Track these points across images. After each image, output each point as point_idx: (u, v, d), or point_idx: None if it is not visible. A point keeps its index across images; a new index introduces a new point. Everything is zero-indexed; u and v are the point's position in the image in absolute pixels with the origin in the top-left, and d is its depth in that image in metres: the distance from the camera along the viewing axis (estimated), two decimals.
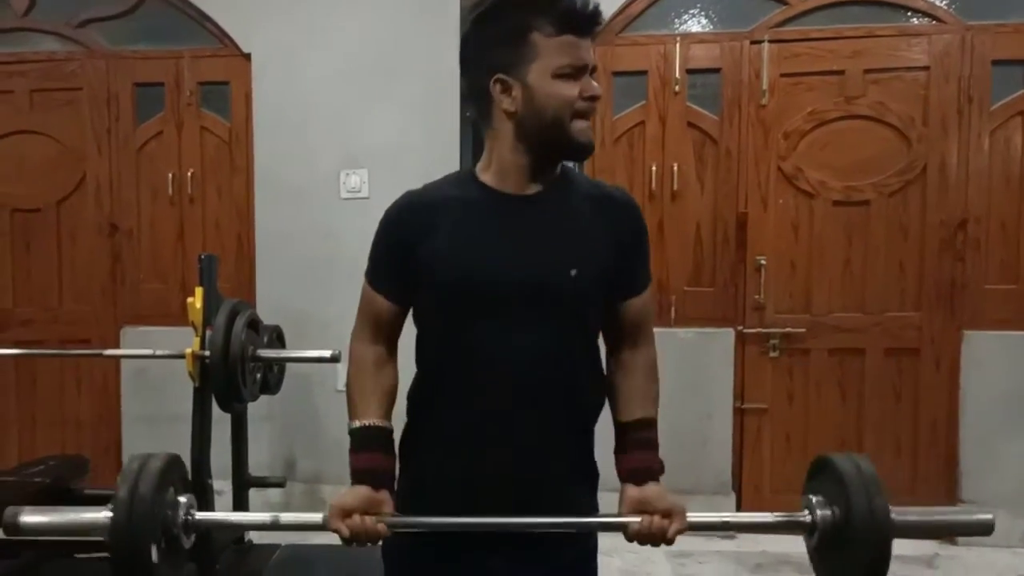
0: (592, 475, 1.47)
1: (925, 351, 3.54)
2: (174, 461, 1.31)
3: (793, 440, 3.62)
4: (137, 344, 3.73)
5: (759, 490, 3.64)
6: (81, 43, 3.90)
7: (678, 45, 3.56)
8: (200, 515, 1.32)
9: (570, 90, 1.27)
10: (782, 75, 3.55)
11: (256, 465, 3.38)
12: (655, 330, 1.49)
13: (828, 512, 1.29)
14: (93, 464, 3.33)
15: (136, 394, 3.90)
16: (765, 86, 3.54)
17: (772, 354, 3.60)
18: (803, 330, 3.57)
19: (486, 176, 1.36)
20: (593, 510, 1.45)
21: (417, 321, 1.42)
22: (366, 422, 1.35)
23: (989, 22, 3.46)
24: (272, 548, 3.27)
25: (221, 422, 2.99)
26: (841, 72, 3.52)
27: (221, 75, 3.83)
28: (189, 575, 1.36)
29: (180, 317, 3.10)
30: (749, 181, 3.59)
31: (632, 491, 1.34)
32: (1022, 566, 3.32)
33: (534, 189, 1.34)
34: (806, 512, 1.32)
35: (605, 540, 1.49)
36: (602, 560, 1.49)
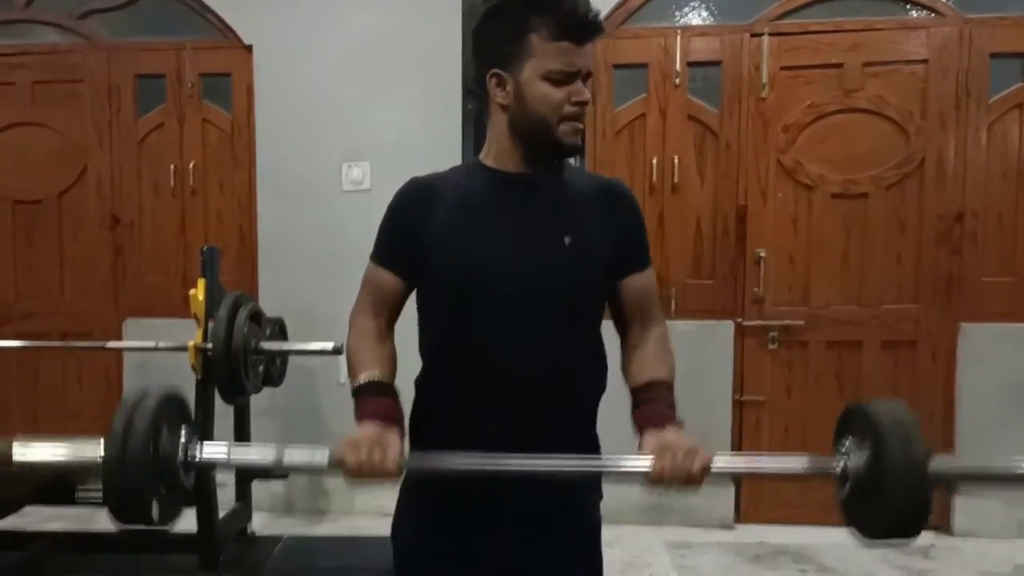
0: (595, 449, 1.47)
1: (922, 343, 3.56)
2: (173, 395, 1.25)
3: (792, 432, 3.64)
4: (139, 336, 3.75)
5: (758, 482, 3.66)
6: (82, 35, 3.90)
7: (679, 38, 3.57)
8: (200, 452, 1.25)
9: (558, 94, 1.32)
10: (782, 68, 3.56)
11: None
12: None
13: (861, 460, 1.19)
14: None
15: (139, 386, 3.91)
16: (765, 79, 3.55)
17: (771, 346, 3.62)
18: (802, 323, 3.59)
19: (488, 160, 1.43)
20: (595, 490, 1.47)
21: (421, 304, 1.45)
22: (372, 375, 1.36)
23: (988, 15, 3.47)
24: (275, 540, 3.30)
25: (224, 415, 3.01)
26: (840, 65, 3.53)
27: (223, 67, 3.84)
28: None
29: (182, 309, 3.11)
30: (749, 174, 3.60)
31: (650, 436, 1.29)
32: (1017, 556, 3.35)
33: (532, 171, 1.40)
34: (837, 459, 1.22)
35: (605, 531, 1.51)
36: (603, 550, 1.51)
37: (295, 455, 1.26)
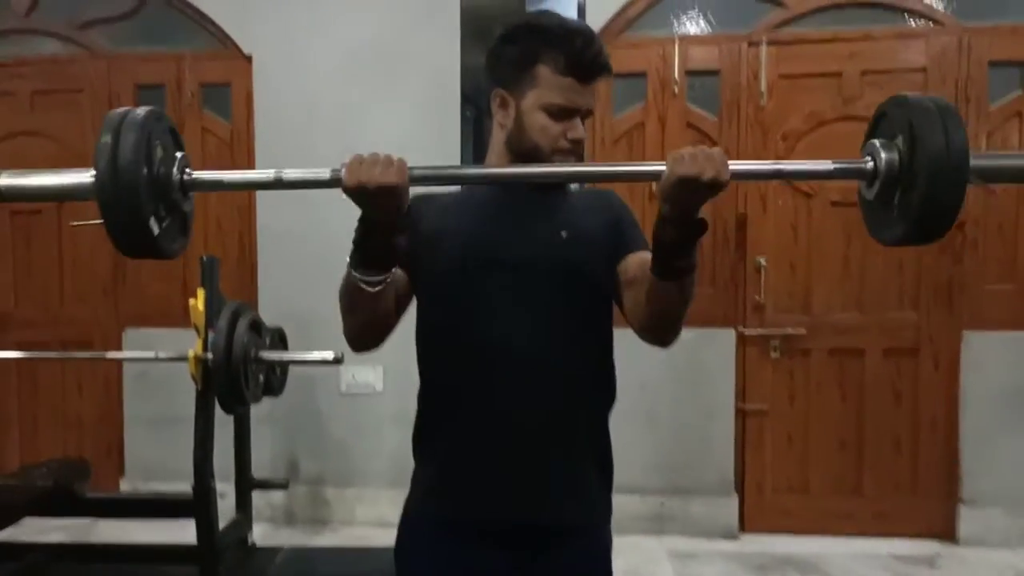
0: (605, 469, 1.46)
1: (924, 351, 3.56)
2: (160, 113, 1.16)
3: (795, 441, 3.63)
4: (139, 346, 3.74)
5: (761, 491, 3.65)
6: (83, 45, 3.91)
7: (677, 47, 3.57)
8: (197, 173, 1.19)
9: (555, 128, 1.34)
10: (780, 76, 3.57)
11: (259, 467, 3.40)
12: None
13: (894, 154, 1.10)
14: (95, 467, 3.33)
15: (138, 396, 3.91)
16: (764, 87, 3.55)
17: (773, 355, 3.61)
18: (803, 331, 3.58)
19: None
20: (606, 506, 1.45)
21: (419, 304, 1.43)
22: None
23: (986, 23, 3.48)
24: (276, 550, 3.29)
25: (224, 424, 3.00)
26: (839, 74, 3.53)
27: (222, 76, 3.84)
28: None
29: (182, 319, 3.11)
30: (748, 182, 3.60)
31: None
32: (1023, 565, 3.33)
33: (527, 186, 1.43)
34: (868, 158, 1.14)
35: (616, 540, 1.50)
36: None
37: (294, 172, 1.22)
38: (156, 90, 3.87)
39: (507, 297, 1.35)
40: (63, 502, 2.99)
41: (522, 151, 1.37)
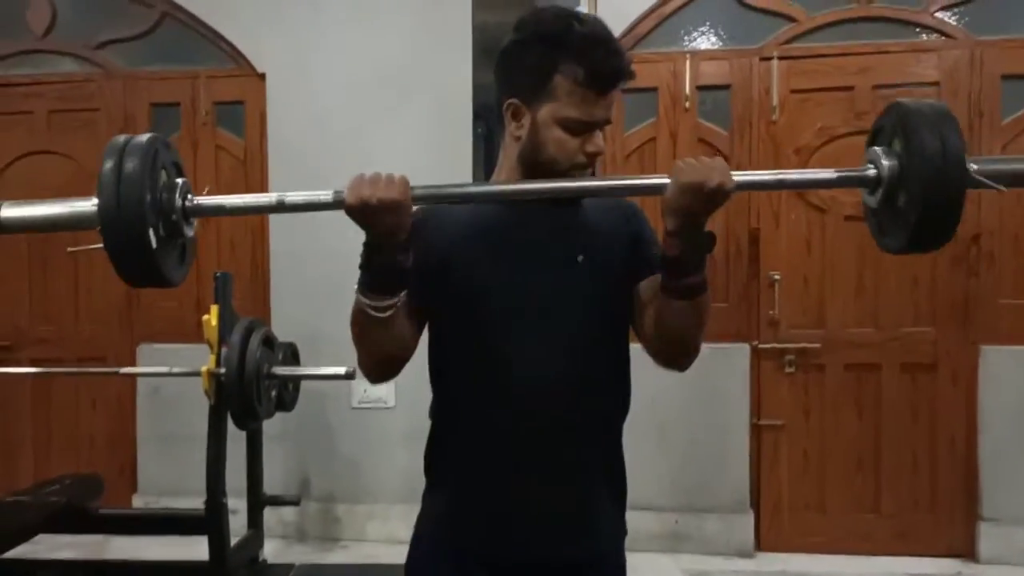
0: (620, 493, 1.43)
1: (941, 366, 3.52)
2: (163, 139, 1.16)
3: (811, 457, 3.59)
4: (153, 362, 3.76)
5: (778, 508, 3.61)
6: (99, 64, 3.96)
7: (688, 62, 3.58)
8: (200, 198, 1.18)
9: (571, 143, 1.28)
10: (792, 91, 3.56)
11: (271, 483, 3.39)
12: None
13: (894, 162, 1.11)
14: (108, 483, 3.33)
15: (151, 412, 3.92)
16: (775, 102, 3.55)
17: (788, 370, 3.58)
18: (818, 345, 3.56)
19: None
20: (620, 529, 1.43)
21: (432, 331, 1.40)
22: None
23: (998, 37, 3.47)
24: (287, 567, 3.28)
25: (236, 440, 3.00)
26: (851, 88, 3.53)
27: (236, 95, 3.88)
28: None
29: (196, 335, 3.12)
30: (761, 197, 3.59)
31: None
32: None
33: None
34: (870, 165, 1.15)
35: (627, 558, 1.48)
36: None
37: (296, 196, 1.20)
38: (171, 109, 3.91)
39: (522, 323, 1.31)
40: (76, 519, 2.99)
41: (537, 165, 1.30)
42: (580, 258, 1.32)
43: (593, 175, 1.37)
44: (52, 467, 3.93)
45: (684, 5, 3.62)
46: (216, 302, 2.88)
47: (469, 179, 3.56)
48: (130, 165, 1.07)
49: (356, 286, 1.24)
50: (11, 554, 2.69)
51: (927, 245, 1.14)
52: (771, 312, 3.58)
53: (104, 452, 4.02)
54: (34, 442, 4.07)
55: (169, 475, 3.82)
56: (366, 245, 1.20)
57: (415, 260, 1.29)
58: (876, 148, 1.15)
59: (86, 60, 3.97)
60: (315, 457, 3.79)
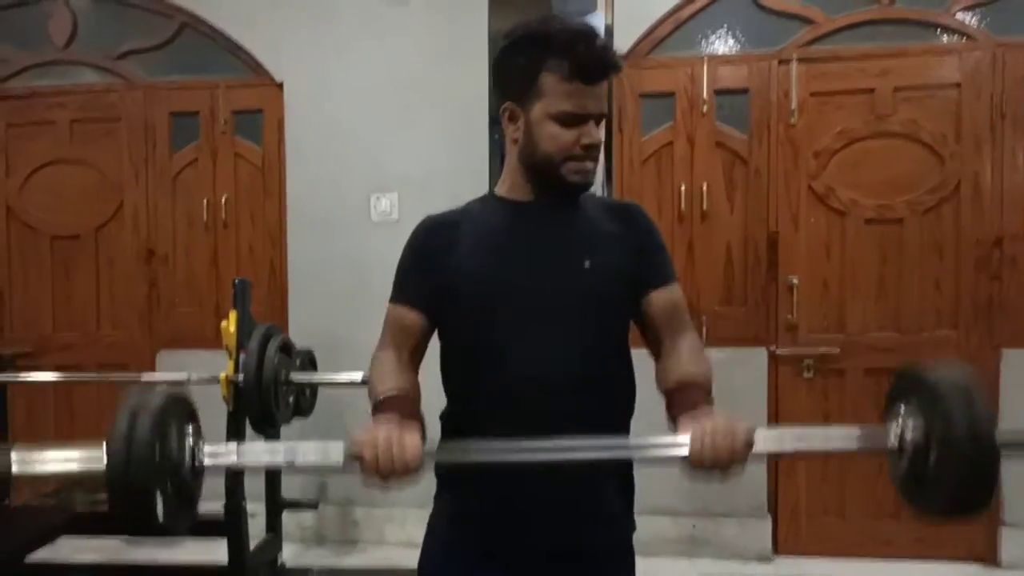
0: (628, 486, 1.45)
1: None
2: (178, 396, 1.17)
3: (830, 462, 3.56)
4: (173, 368, 3.79)
5: (796, 512, 3.58)
6: (120, 75, 4.00)
7: (705, 66, 3.57)
8: (209, 450, 1.17)
9: (565, 135, 1.31)
10: (811, 94, 3.54)
11: (289, 487, 3.41)
12: None
13: (919, 430, 1.09)
14: None
15: None
16: (794, 105, 3.53)
17: (806, 375, 3.55)
18: (837, 350, 3.52)
19: (502, 190, 1.43)
20: (629, 522, 1.45)
21: (444, 341, 1.43)
22: (391, 392, 1.32)
23: (1020, 38, 3.42)
24: (306, 571, 3.29)
25: None
26: (871, 90, 3.50)
27: (254, 103, 3.91)
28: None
29: (214, 341, 3.14)
30: (779, 200, 3.57)
31: (686, 420, 1.22)
32: None
33: (545, 200, 1.39)
34: (892, 432, 1.12)
35: (638, 564, 1.48)
36: None
37: (308, 454, 1.18)
38: (190, 118, 3.95)
39: (529, 329, 1.32)
40: (98, 522, 3.02)
41: (534, 163, 1.35)
42: (587, 263, 1.34)
43: (593, 168, 1.37)
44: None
45: (702, 9, 3.61)
46: (234, 308, 2.90)
47: (485, 186, 3.56)
48: (142, 423, 1.07)
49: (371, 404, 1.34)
50: (35, 557, 2.72)
51: (964, 515, 1.09)
52: (789, 317, 3.55)
53: None
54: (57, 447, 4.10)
55: None
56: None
57: (421, 273, 1.37)
58: (898, 413, 1.12)
59: (107, 70, 4.02)
60: None
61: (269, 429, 2.97)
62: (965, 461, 1.01)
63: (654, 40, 3.64)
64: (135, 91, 3.98)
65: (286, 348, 2.96)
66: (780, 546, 3.59)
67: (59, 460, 1.17)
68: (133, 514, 1.09)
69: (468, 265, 1.35)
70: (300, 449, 1.18)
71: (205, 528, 3.03)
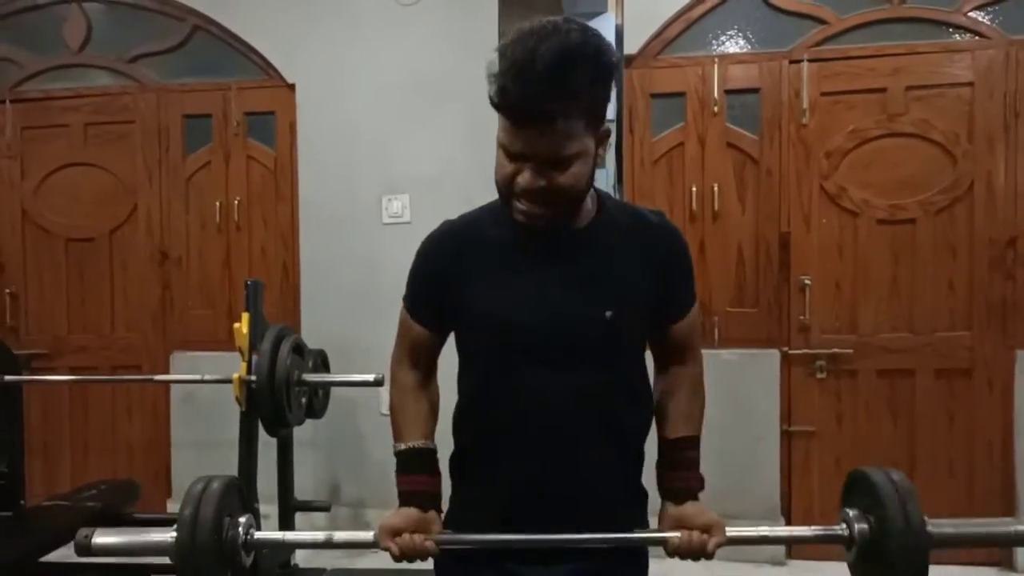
0: (640, 495, 1.45)
1: (978, 371, 3.45)
2: (233, 483, 1.36)
3: (843, 463, 3.53)
4: (186, 369, 3.81)
5: (809, 515, 3.56)
6: (133, 78, 4.03)
7: (716, 66, 3.56)
8: (259, 535, 1.37)
9: (506, 167, 1.21)
10: (822, 94, 3.53)
11: (301, 489, 3.41)
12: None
13: (864, 525, 1.29)
14: (143, 489, 3.39)
15: (185, 419, 3.97)
16: (805, 105, 3.51)
17: (819, 375, 3.54)
18: (850, 351, 3.51)
19: None
20: (641, 521, 1.44)
21: (458, 348, 1.43)
22: (411, 444, 1.39)
23: None
24: (319, 572, 3.29)
25: (267, 446, 3.03)
26: (883, 90, 3.48)
27: (266, 105, 3.93)
28: None
29: (227, 342, 3.15)
30: (791, 201, 3.56)
31: (671, 509, 1.37)
32: None
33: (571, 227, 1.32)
34: (843, 525, 1.32)
35: (653, 566, 1.47)
36: None
37: (344, 537, 1.46)
38: (203, 120, 3.97)
39: (543, 370, 1.31)
40: (113, 523, 3.04)
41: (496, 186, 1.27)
42: (608, 314, 1.30)
43: (541, 216, 1.24)
44: (89, 472, 4.00)
45: (712, 9, 3.60)
46: (247, 310, 2.91)
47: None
48: (205, 512, 1.28)
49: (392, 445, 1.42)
50: (50, 557, 2.74)
51: None
52: (802, 317, 3.54)
53: (139, 458, 4.09)
54: (72, 448, 4.14)
55: None
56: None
57: (431, 287, 1.38)
58: (848, 510, 1.33)
59: (121, 73, 4.05)
60: (345, 463, 3.82)
61: (282, 430, 2.99)
62: (901, 553, 1.24)
63: (664, 40, 3.63)
64: (148, 94, 4.00)
65: (298, 349, 2.97)
66: (794, 550, 3.57)
67: (135, 544, 1.35)
68: None
69: (480, 302, 1.32)
70: (336, 535, 1.41)
71: None
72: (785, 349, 3.56)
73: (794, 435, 3.56)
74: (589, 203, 1.33)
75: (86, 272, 4.10)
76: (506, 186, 1.23)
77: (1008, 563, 3.40)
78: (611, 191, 4.54)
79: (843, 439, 3.54)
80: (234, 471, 2.83)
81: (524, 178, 1.20)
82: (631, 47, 3.61)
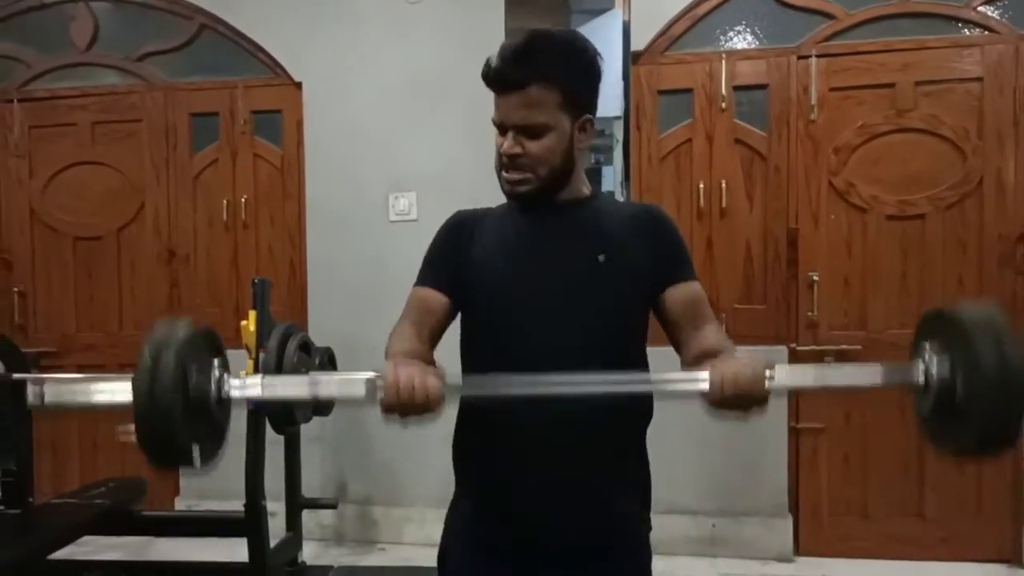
0: (643, 485, 1.45)
1: None
2: (204, 330, 1.19)
3: (852, 460, 3.53)
4: None
5: (817, 512, 3.55)
6: (140, 76, 4.04)
7: (724, 62, 3.54)
8: (235, 385, 1.19)
9: (498, 141, 1.37)
10: (831, 89, 3.51)
11: (309, 486, 3.43)
12: None
13: (946, 366, 1.07)
14: (151, 487, 3.39)
15: None
16: (814, 101, 3.50)
17: None
18: (859, 347, 3.49)
19: None
20: (644, 521, 1.44)
21: (463, 335, 1.44)
22: (407, 352, 1.31)
23: None
24: (326, 570, 3.30)
25: (274, 444, 3.04)
26: (892, 85, 3.46)
27: (273, 104, 3.93)
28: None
29: (235, 340, 3.16)
30: (799, 197, 3.54)
31: (707, 364, 1.22)
32: None
33: (561, 200, 1.41)
34: (919, 367, 1.10)
35: (657, 562, 1.47)
36: None
37: (330, 386, 1.24)
38: (210, 118, 3.98)
39: (544, 324, 1.34)
40: (121, 521, 3.05)
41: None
42: (601, 257, 1.35)
43: (528, 186, 1.37)
44: (98, 470, 4.02)
45: (719, 5, 3.58)
46: (254, 308, 2.91)
47: None
48: (165, 361, 1.08)
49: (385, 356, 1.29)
50: (58, 555, 2.75)
51: (984, 455, 1.09)
52: (810, 314, 3.52)
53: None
54: (80, 446, 4.16)
55: (210, 478, 3.86)
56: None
57: (447, 258, 1.40)
58: (925, 349, 1.11)
59: (128, 72, 4.05)
60: (352, 461, 3.82)
61: (289, 427, 2.99)
62: (994, 394, 0.99)
63: (671, 37, 3.62)
64: (155, 92, 4.01)
65: (305, 347, 2.98)
66: (801, 546, 3.56)
67: (88, 393, 1.20)
68: (160, 445, 1.10)
69: (486, 257, 1.39)
70: (323, 381, 1.22)
71: (226, 527, 3.06)
72: (793, 345, 3.54)
73: (802, 432, 3.55)
74: (583, 189, 1.44)
75: (94, 270, 4.11)
76: (497, 158, 1.38)
77: (1019, 559, 3.39)
78: (619, 188, 4.53)
79: (852, 436, 3.53)
80: (241, 469, 2.84)
81: (504, 144, 1.36)
82: (638, 44, 3.60)
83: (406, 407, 1.13)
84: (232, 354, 3.54)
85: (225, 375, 1.18)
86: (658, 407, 1.45)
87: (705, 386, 1.13)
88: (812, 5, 3.53)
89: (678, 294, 1.38)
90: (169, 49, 4.01)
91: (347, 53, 3.77)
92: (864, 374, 1.18)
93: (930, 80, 3.43)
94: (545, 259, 1.36)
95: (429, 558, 1.48)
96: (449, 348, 1.45)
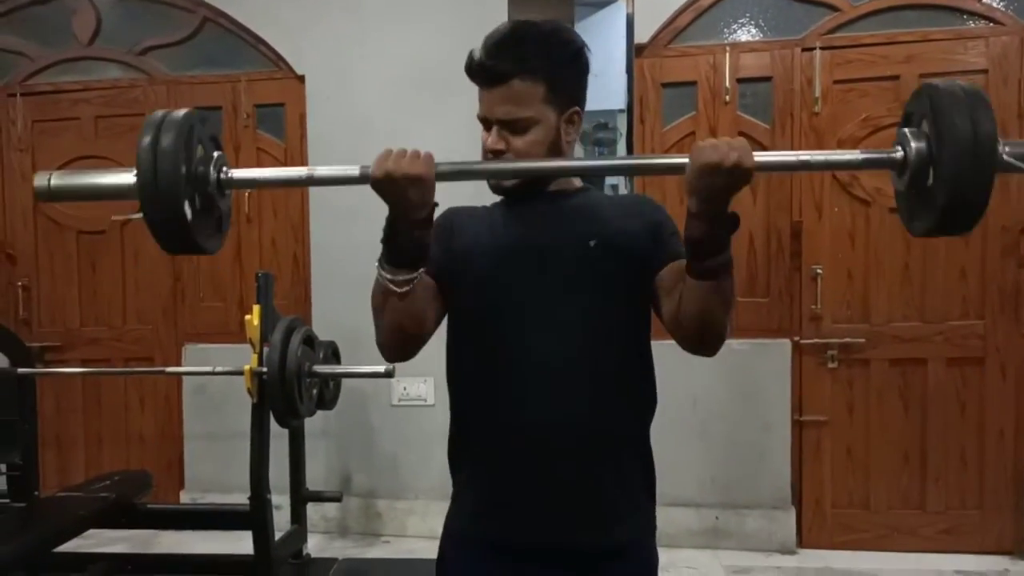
0: (649, 478, 1.42)
1: (990, 360, 3.43)
2: (200, 115, 1.20)
3: (855, 453, 3.53)
4: (197, 361, 3.83)
5: (820, 505, 3.56)
6: (143, 70, 4.04)
7: (728, 54, 3.54)
8: (235, 172, 1.24)
9: (483, 136, 1.37)
10: (835, 82, 3.50)
11: (313, 479, 3.44)
12: None
13: (923, 144, 1.08)
14: (156, 480, 3.41)
15: (197, 411, 3.99)
16: (818, 93, 3.49)
17: (830, 365, 3.52)
18: (862, 340, 3.49)
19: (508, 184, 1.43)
20: (647, 516, 1.42)
21: (450, 327, 1.42)
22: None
23: None
24: (330, 562, 3.31)
25: (279, 438, 3.04)
26: (896, 77, 3.45)
27: (276, 97, 3.93)
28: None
29: (239, 334, 3.17)
30: (803, 190, 3.54)
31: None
32: None
33: (550, 190, 1.40)
34: (898, 147, 1.12)
35: (662, 555, 1.47)
36: None
37: (325, 170, 1.28)
38: (213, 112, 3.97)
39: (537, 312, 1.32)
40: (126, 514, 3.06)
41: None
42: (592, 243, 1.32)
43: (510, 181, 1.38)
44: (103, 464, 4.04)
45: None
46: (258, 302, 2.92)
47: None
48: (166, 140, 1.11)
49: (376, 261, 1.28)
50: (64, 547, 2.76)
51: (955, 228, 1.10)
52: (813, 307, 3.52)
53: (152, 449, 4.11)
54: (86, 440, 4.17)
55: (215, 472, 3.90)
56: (389, 220, 1.24)
57: (442, 241, 1.36)
58: (905, 130, 1.13)
59: (130, 66, 4.05)
60: (356, 454, 3.83)
61: (293, 421, 3.00)
62: (966, 166, 1.02)
63: (675, 29, 3.61)
64: (158, 86, 4.01)
65: (309, 340, 2.98)
66: (804, 538, 3.57)
67: (94, 179, 1.23)
68: (165, 223, 1.14)
69: (474, 243, 1.37)
70: (320, 168, 1.28)
71: (231, 520, 3.07)
72: (796, 338, 3.54)
73: (805, 424, 3.55)
74: (574, 180, 1.44)
75: (98, 264, 4.12)
76: (482, 154, 1.36)
77: (1021, 551, 3.39)
78: (622, 181, 4.52)
79: (855, 428, 3.53)
80: (246, 462, 2.85)
81: (488, 140, 1.35)
82: (642, 36, 3.59)
83: (398, 165, 1.18)
84: (236, 348, 3.57)
85: (223, 161, 1.22)
86: (661, 400, 1.44)
87: (686, 160, 1.12)
88: None
89: (674, 267, 1.30)
90: (172, 43, 4.01)
91: (350, 46, 3.77)
92: (845, 156, 1.22)
93: (934, 72, 3.40)
94: (535, 244, 1.34)
95: (433, 550, 1.48)
96: (442, 350, 1.45)
